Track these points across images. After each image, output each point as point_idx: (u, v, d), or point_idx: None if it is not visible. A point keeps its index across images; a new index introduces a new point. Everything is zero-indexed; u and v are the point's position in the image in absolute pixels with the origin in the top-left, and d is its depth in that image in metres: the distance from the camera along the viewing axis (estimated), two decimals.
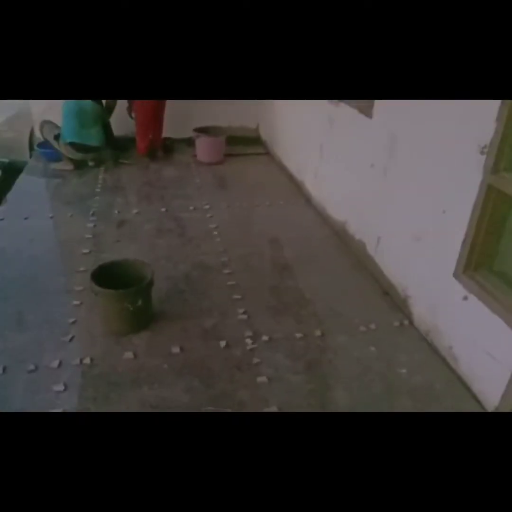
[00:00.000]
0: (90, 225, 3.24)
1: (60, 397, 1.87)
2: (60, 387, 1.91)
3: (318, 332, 2.29)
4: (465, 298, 1.97)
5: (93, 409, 1.83)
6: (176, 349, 2.15)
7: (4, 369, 1.99)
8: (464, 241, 1.96)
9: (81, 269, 2.67)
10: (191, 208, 3.57)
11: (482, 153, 1.82)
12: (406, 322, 2.39)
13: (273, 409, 1.86)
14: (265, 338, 2.25)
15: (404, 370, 2.09)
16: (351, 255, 2.99)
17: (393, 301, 2.54)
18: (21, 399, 1.86)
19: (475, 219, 1.88)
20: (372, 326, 2.35)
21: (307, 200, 3.79)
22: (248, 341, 2.23)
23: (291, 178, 4.20)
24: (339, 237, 3.20)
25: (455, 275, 2.02)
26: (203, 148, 4.50)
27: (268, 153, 4.87)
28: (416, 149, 2.32)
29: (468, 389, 1.98)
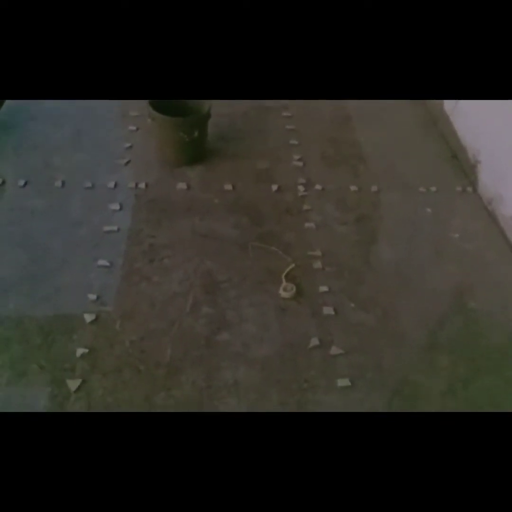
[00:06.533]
0: None
1: (115, 215, 1.96)
2: (116, 206, 1.98)
3: (374, 188, 2.21)
4: None
5: (145, 230, 1.91)
6: (228, 187, 2.14)
7: (63, 183, 2.06)
8: None
9: None
10: None
11: None
12: (469, 188, 2.26)
13: (317, 253, 1.89)
14: (318, 187, 2.20)
15: (457, 235, 2.03)
16: (423, 112, 2.73)
17: (460, 165, 2.37)
18: (79, 213, 1.95)
19: None
20: (433, 188, 2.23)
21: None
22: (300, 188, 2.19)
23: None
24: None
25: None
26: None
27: None
28: None
29: None
